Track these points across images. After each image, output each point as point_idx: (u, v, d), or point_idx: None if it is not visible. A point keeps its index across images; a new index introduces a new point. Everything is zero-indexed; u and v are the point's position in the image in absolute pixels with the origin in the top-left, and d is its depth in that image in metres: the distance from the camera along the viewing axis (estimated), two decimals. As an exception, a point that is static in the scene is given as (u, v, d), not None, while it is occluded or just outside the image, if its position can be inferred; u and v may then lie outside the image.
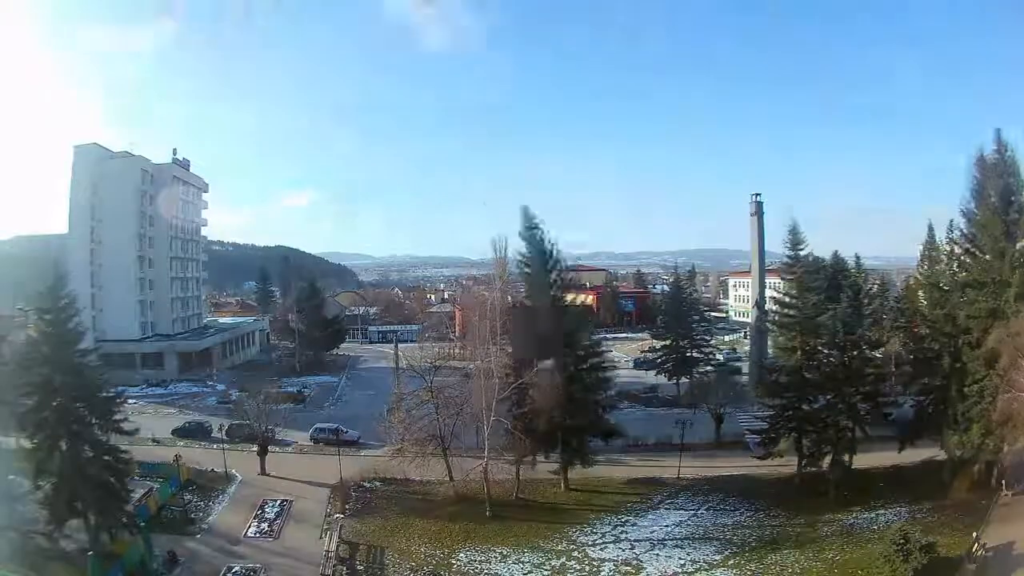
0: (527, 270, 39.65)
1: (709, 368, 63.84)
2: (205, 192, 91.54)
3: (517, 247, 40.08)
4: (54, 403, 28.45)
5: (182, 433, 48.53)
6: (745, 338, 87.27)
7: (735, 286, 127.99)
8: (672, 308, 65.89)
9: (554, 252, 39.23)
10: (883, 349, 48.16)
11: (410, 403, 38.35)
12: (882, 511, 33.63)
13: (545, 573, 29.28)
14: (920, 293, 47.12)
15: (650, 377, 64.16)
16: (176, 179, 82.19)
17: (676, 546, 31.41)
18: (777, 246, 50.73)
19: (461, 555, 30.96)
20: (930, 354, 36.59)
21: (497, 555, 30.92)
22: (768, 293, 56.93)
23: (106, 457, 29.76)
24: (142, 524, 30.96)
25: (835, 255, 57.70)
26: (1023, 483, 31.92)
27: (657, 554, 30.66)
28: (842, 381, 36.04)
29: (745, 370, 63.83)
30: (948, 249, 38.27)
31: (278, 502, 36.57)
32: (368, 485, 39.02)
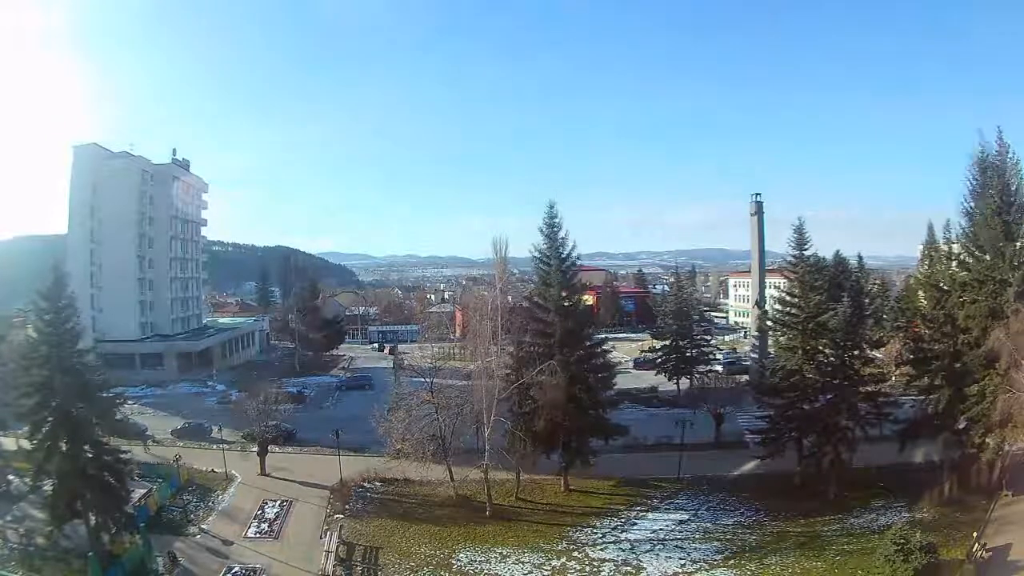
0: (543, 266, 39.46)
1: (716, 368, 64.06)
2: (205, 192, 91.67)
3: (518, 247, 40.17)
4: (54, 403, 28.40)
5: (182, 434, 48.56)
6: (745, 338, 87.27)
7: (735, 286, 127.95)
8: (672, 308, 65.85)
9: (571, 249, 39.08)
10: (883, 349, 48.17)
11: (410, 403, 38.26)
12: (882, 511, 33.61)
13: (545, 573, 29.23)
14: (920, 293, 47.01)
15: (650, 377, 64.13)
16: (176, 179, 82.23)
17: (676, 546, 31.39)
18: (777, 246, 50.82)
19: (461, 555, 30.93)
20: (930, 354, 36.52)
21: (497, 555, 30.89)
22: (769, 293, 56.96)
23: (106, 457, 29.70)
24: (142, 525, 30.94)
25: (837, 255, 57.83)
26: (1023, 484, 31.92)
27: (657, 554, 30.62)
28: (843, 381, 36.00)
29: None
30: (948, 249, 38.19)
31: (278, 502, 36.54)
32: (368, 485, 39.00)
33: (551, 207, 38.44)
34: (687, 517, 34.66)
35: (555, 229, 38.68)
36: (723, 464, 41.08)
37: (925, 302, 39.96)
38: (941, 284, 37.36)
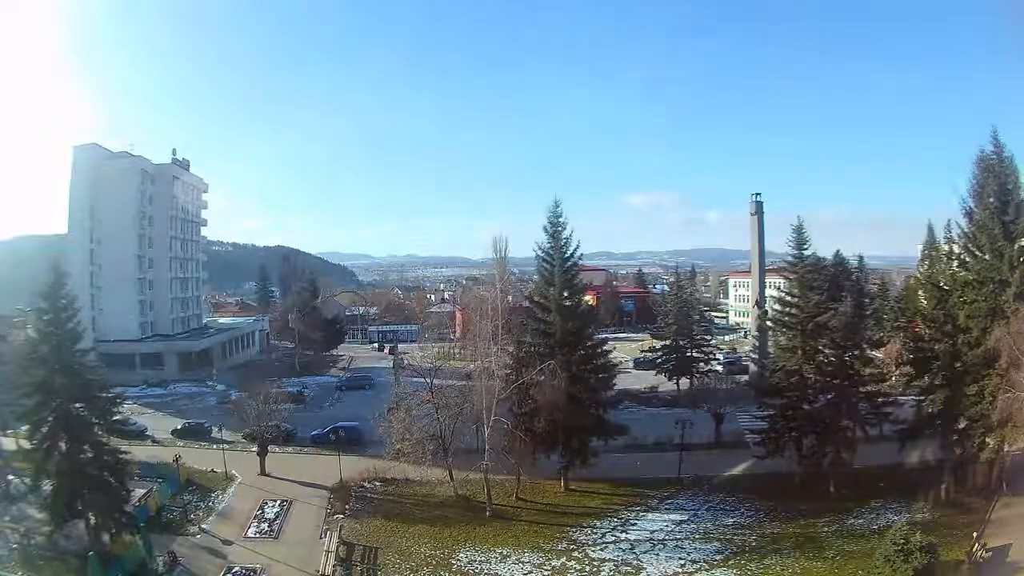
0: (545, 265, 39.32)
1: (716, 368, 64.02)
2: (205, 192, 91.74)
3: (517, 247, 40.11)
4: (54, 403, 28.45)
5: (182, 434, 48.58)
6: (745, 338, 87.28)
7: (735, 286, 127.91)
8: (672, 308, 65.83)
9: (574, 249, 38.98)
10: (883, 349, 48.17)
11: (410, 403, 38.26)
12: (882, 511, 33.62)
13: (545, 573, 29.23)
14: (920, 293, 46.99)
15: (650, 377, 64.15)
16: (176, 179, 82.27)
17: (676, 546, 31.39)
18: (777, 246, 50.79)
19: (461, 555, 30.93)
20: (930, 354, 36.50)
21: (497, 555, 30.89)
22: (769, 293, 56.94)
23: (106, 457, 29.75)
24: (142, 525, 30.94)
25: (837, 254, 57.89)
26: (1023, 484, 31.93)
27: (657, 554, 30.62)
28: (843, 381, 35.98)
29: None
30: (948, 249, 38.19)
31: (278, 502, 36.54)
32: (368, 486, 39.00)
33: (556, 205, 38.43)
34: (687, 517, 34.66)
35: (559, 228, 38.62)
36: (723, 464, 41.08)
37: (925, 302, 39.96)
38: (941, 284, 37.35)
